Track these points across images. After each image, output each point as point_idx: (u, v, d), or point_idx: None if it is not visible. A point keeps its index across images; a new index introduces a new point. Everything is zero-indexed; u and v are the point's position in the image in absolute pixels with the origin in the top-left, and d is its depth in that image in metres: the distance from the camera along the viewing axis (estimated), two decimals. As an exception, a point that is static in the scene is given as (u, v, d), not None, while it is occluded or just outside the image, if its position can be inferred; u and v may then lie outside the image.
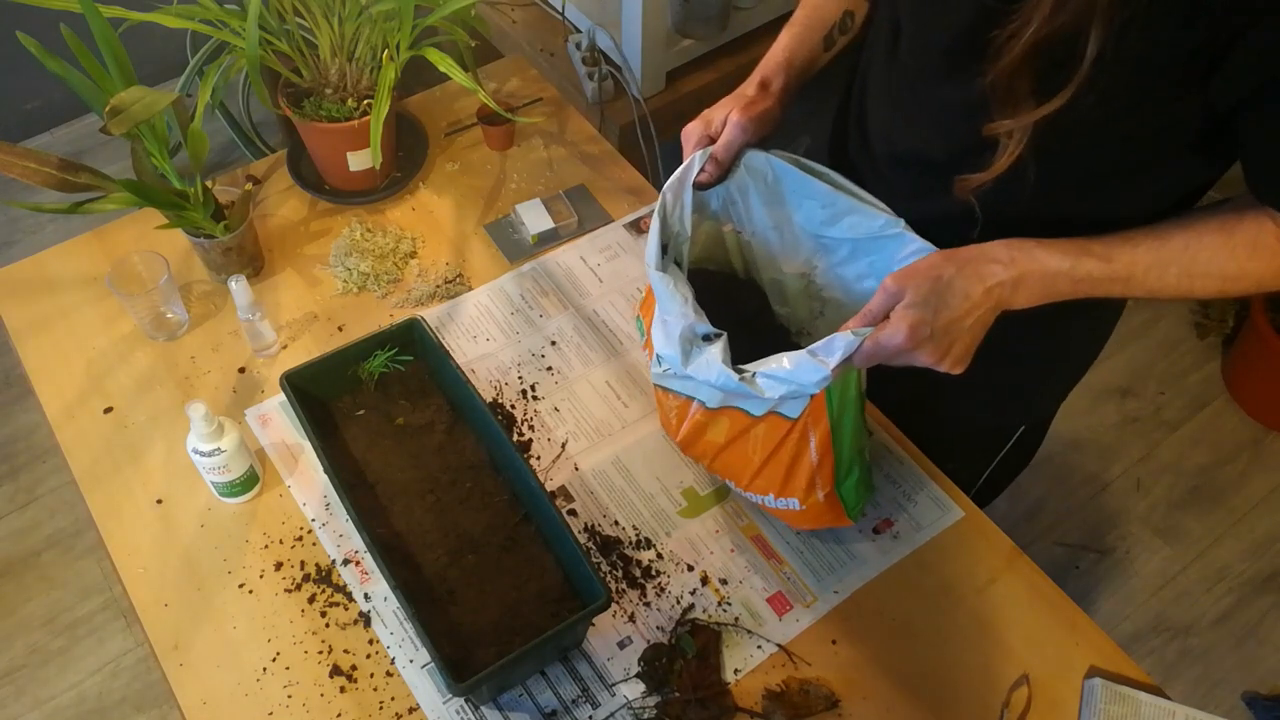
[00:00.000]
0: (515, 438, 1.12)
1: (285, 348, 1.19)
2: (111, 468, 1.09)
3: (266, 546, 1.04)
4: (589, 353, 1.20)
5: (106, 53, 1.05)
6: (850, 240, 0.94)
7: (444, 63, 1.16)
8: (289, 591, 1.01)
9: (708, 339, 0.87)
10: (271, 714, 0.93)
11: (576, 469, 1.10)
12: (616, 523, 1.06)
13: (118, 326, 1.21)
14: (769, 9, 1.73)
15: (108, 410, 1.14)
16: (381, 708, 0.94)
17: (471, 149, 1.42)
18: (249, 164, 1.40)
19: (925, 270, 0.81)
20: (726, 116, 0.94)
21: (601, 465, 1.11)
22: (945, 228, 0.89)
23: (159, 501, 1.07)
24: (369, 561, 1.02)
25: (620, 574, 1.02)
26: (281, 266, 1.27)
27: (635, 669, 0.96)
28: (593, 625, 0.97)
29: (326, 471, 0.95)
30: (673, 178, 0.93)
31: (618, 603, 1.00)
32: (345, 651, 0.97)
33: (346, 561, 1.03)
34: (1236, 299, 2.11)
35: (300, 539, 1.04)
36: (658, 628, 0.99)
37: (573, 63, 1.68)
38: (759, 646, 0.98)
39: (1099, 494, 2.11)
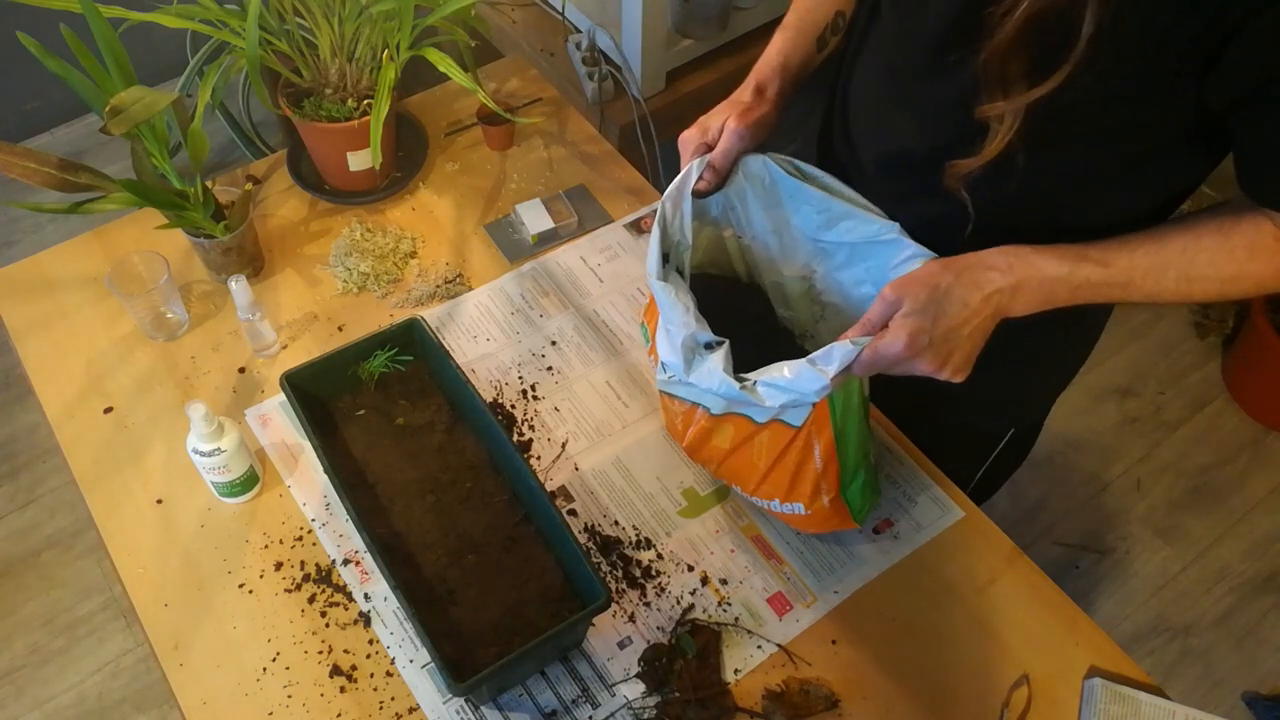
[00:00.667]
0: (515, 438, 1.12)
1: (285, 348, 1.19)
2: (111, 468, 1.09)
3: (266, 546, 1.04)
4: (589, 353, 1.20)
5: (106, 53, 1.05)
6: (847, 245, 0.94)
7: (444, 63, 1.16)
8: (289, 591, 1.01)
9: (709, 347, 0.87)
10: (271, 714, 0.93)
11: (576, 469, 1.10)
12: (616, 523, 1.06)
13: (118, 326, 1.21)
14: (769, 9, 1.73)
15: (108, 410, 1.14)
16: (381, 708, 0.94)
17: (471, 149, 1.42)
18: (249, 164, 1.40)
19: (923, 278, 0.81)
20: (723, 123, 0.94)
21: (602, 465, 1.11)
22: (933, 230, 0.88)
23: (159, 501, 1.07)
24: (369, 561, 1.02)
25: (620, 574, 1.02)
26: (281, 266, 1.27)
27: (635, 669, 0.96)
28: (593, 625, 0.97)
29: (326, 471, 0.95)
30: (671, 187, 0.93)
31: (618, 603, 1.00)
32: (345, 651, 0.97)
33: (346, 561, 1.03)
34: (1236, 299, 2.11)
35: (300, 539, 1.04)
36: (658, 628, 0.99)
37: (573, 63, 1.68)
38: (759, 646, 0.98)
39: (1099, 494, 2.11)
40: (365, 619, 0.99)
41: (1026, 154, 0.79)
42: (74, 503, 1.99)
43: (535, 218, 1.30)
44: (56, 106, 2.56)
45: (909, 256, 0.88)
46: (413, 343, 1.08)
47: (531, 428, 1.13)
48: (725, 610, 1.01)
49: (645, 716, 0.94)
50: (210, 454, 0.99)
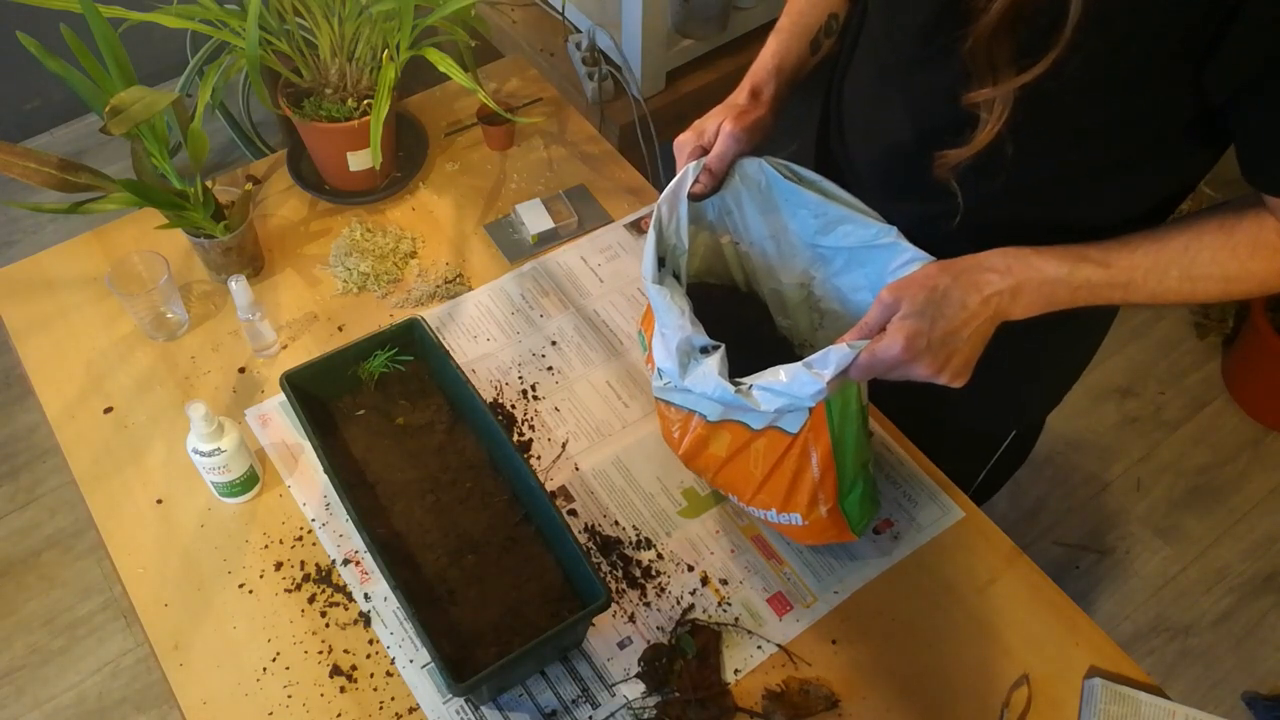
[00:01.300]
0: (515, 438, 1.12)
1: (285, 348, 1.19)
2: (111, 468, 1.09)
3: (266, 546, 1.04)
4: (589, 353, 1.20)
5: (106, 53, 1.05)
6: (845, 249, 0.93)
7: (444, 63, 1.16)
8: (289, 591, 1.01)
9: (705, 351, 0.86)
10: (271, 714, 0.93)
11: (577, 469, 1.10)
12: (616, 523, 1.06)
13: (118, 326, 1.21)
14: (769, 9, 1.73)
15: (108, 410, 1.14)
16: (381, 708, 0.94)
17: (471, 149, 1.42)
18: (249, 164, 1.40)
19: (921, 281, 0.80)
20: (719, 127, 0.93)
21: (602, 465, 1.11)
22: (929, 231, 0.88)
23: (159, 501, 1.07)
24: (369, 561, 1.02)
25: (620, 574, 1.02)
26: (281, 266, 1.27)
27: (635, 669, 0.96)
28: (593, 625, 0.98)
29: (326, 471, 0.95)
30: (667, 190, 0.93)
31: (618, 603, 1.00)
32: (345, 651, 0.97)
33: (346, 561, 1.03)
34: (1240, 299, 2.11)
35: (300, 539, 1.04)
36: (658, 628, 0.99)
37: (573, 63, 1.68)
38: (759, 647, 0.98)
39: (1099, 494, 2.11)
40: (365, 619, 0.99)
41: (1017, 145, 0.79)
42: (74, 503, 1.99)
43: (535, 218, 1.30)
44: (56, 106, 2.56)
45: (907, 260, 0.87)
46: (413, 343, 1.08)
47: (531, 428, 1.13)
48: (725, 610, 1.01)
49: (645, 716, 0.94)
50: (210, 454, 0.99)
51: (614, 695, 0.95)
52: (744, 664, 0.97)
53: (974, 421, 1.16)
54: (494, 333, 1.22)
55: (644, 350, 1.04)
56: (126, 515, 1.06)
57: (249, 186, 1.22)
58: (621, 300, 1.25)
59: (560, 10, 1.70)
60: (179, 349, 1.19)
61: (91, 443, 1.11)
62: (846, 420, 0.90)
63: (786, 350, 1.07)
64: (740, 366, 0.85)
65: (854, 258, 0.93)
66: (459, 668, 0.88)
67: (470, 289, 1.26)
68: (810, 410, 0.87)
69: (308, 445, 1.10)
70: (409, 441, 1.06)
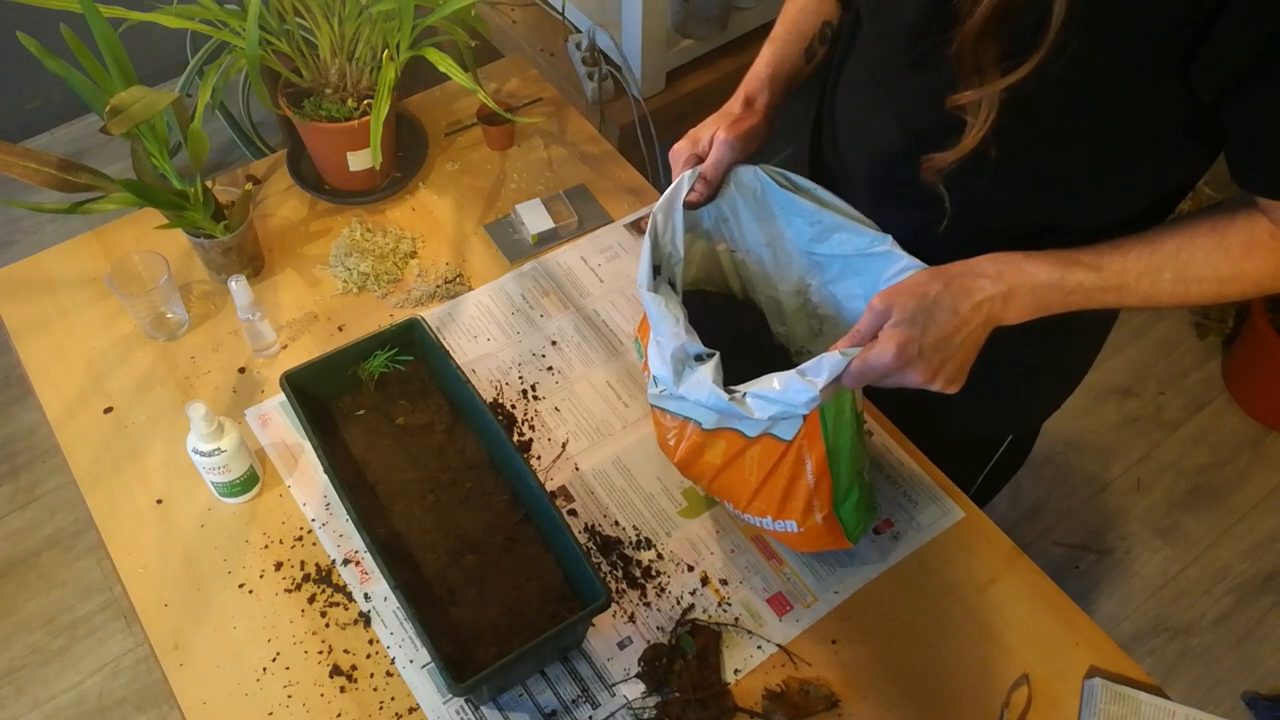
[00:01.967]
0: (515, 438, 1.12)
1: (285, 348, 1.19)
2: (111, 468, 1.09)
3: (266, 546, 1.04)
4: (590, 353, 1.20)
5: (106, 53, 1.05)
6: (840, 258, 0.93)
7: (444, 63, 1.16)
8: (289, 591, 1.01)
9: (699, 359, 0.87)
10: (271, 714, 0.93)
11: (577, 469, 1.10)
12: (616, 523, 1.06)
13: (118, 326, 1.21)
14: (769, 9, 1.73)
15: (108, 410, 1.14)
16: (381, 708, 0.94)
17: (471, 149, 1.42)
18: (249, 164, 1.40)
19: (912, 287, 0.80)
20: (713, 135, 0.93)
21: (602, 465, 1.11)
22: (922, 239, 0.88)
23: (159, 501, 1.07)
24: (369, 561, 1.02)
25: (620, 574, 1.02)
26: (281, 266, 1.27)
27: (635, 669, 0.96)
28: (593, 625, 0.98)
29: (326, 471, 0.95)
30: (662, 198, 0.93)
31: (618, 603, 1.00)
32: (345, 651, 0.97)
33: (346, 561, 1.03)
34: (1235, 300, 2.11)
35: (300, 539, 1.04)
36: (658, 628, 0.99)
37: (573, 63, 1.68)
38: (759, 647, 0.98)
39: (1099, 494, 2.11)
40: (365, 619, 0.99)
41: (1005, 148, 0.78)
42: (74, 503, 1.99)
43: (535, 218, 1.30)
44: (56, 106, 2.56)
45: (902, 268, 0.87)
46: (413, 343, 1.08)
47: (531, 428, 1.13)
48: (725, 610, 1.01)
49: (645, 716, 0.94)
50: (210, 454, 0.99)
51: (614, 695, 0.95)
52: (744, 664, 0.97)
53: (971, 427, 1.16)
54: (494, 333, 1.22)
55: (640, 357, 1.04)
56: (126, 515, 1.06)
57: (249, 186, 1.22)
58: (621, 300, 1.25)
59: (560, 10, 1.70)
60: (179, 349, 1.19)
61: (91, 443, 1.11)
62: (841, 427, 0.89)
63: (784, 357, 1.07)
64: (738, 374, 0.85)
65: (849, 265, 0.93)
66: (459, 668, 0.88)
67: (470, 289, 1.26)
68: (804, 417, 0.87)
69: (308, 445, 1.10)
70: (409, 441, 1.06)
